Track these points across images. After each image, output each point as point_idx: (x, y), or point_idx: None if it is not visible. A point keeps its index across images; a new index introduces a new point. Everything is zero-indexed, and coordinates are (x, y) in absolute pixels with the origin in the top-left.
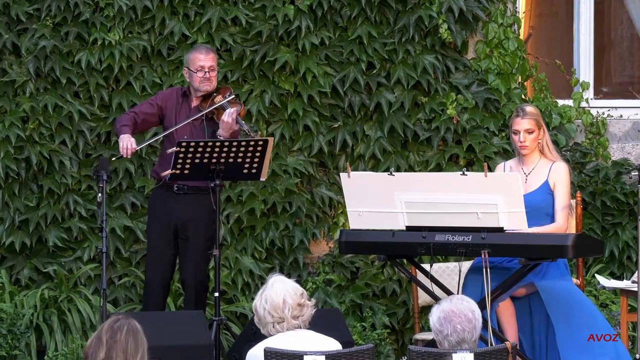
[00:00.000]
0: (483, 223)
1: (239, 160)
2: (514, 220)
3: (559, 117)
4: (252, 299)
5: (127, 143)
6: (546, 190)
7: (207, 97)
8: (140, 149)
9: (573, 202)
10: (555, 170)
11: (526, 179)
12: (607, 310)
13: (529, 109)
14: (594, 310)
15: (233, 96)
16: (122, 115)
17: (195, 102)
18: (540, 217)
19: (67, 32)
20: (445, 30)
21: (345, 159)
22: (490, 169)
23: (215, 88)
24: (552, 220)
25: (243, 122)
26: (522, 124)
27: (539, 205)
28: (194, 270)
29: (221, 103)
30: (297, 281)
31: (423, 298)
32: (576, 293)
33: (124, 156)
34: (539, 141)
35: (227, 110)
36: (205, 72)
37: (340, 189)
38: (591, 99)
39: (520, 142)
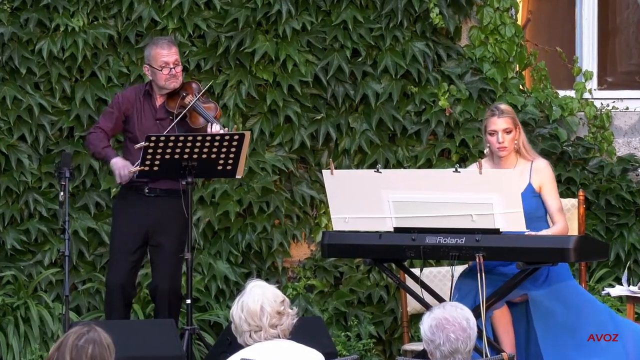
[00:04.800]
0: (477, 224)
1: (213, 156)
2: (510, 221)
3: (560, 110)
4: (227, 306)
5: (122, 171)
6: (531, 193)
7: (174, 94)
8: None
9: (574, 201)
10: (538, 170)
11: None
12: None
13: (504, 107)
14: (601, 314)
15: (204, 94)
16: (93, 135)
17: (160, 100)
18: (530, 222)
19: (26, 18)
20: (437, 15)
21: (328, 154)
22: None
23: (181, 84)
24: (545, 223)
25: (225, 128)
26: (498, 124)
27: (527, 210)
28: (168, 277)
29: (192, 104)
30: (276, 287)
31: (412, 305)
32: (577, 300)
33: (121, 183)
34: (515, 141)
35: (214, 125)
36: (171, 68)
37: (323, 186)
38: (595, 89)
39: (499, 142)
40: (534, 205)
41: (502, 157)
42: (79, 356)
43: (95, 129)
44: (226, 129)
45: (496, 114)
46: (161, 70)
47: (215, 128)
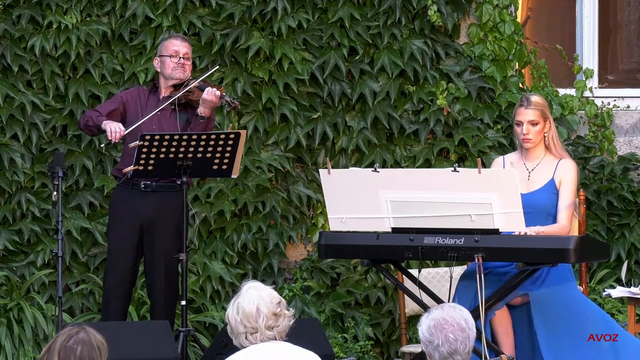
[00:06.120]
0: (476, 224)
1: (208, 155)
2: (510, 221)
3: (560, 108)
4: (222, 307)
5: (115, 126)
6: (551, 189)
7: (179, 86)
8: (100, 143)
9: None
10: (562, 168)
11: (529, 176)
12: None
13: (535, 98)
14: (599, 318)
15: (207, 81)
16: (87, 112)
17: (164, 93)
18: (542, 218)
19: (19, 14)
20: (435, 12)
21: (325, 154)
22: (485, 165)
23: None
24: (555, 221)
25: (224, 94)
26: (525, 115)
27: (543, 205)
28: (164, 273)
29: (196, 84)
30: (272, 289)
31: (410, 307)
32: (576, 302)
33: (113, 141)
34: (545, 134)
35: (208, 89)
36: (180, 57)
37: (320, 186)
38: (595, 87)
39: (523, 134)
40: (550, 201)
41: (527, 149)
42: (67, 357)
43: (91, 110)
44: (224, 94)
45: (524, 105)
46: (170, 58)
47: (210, 89)
